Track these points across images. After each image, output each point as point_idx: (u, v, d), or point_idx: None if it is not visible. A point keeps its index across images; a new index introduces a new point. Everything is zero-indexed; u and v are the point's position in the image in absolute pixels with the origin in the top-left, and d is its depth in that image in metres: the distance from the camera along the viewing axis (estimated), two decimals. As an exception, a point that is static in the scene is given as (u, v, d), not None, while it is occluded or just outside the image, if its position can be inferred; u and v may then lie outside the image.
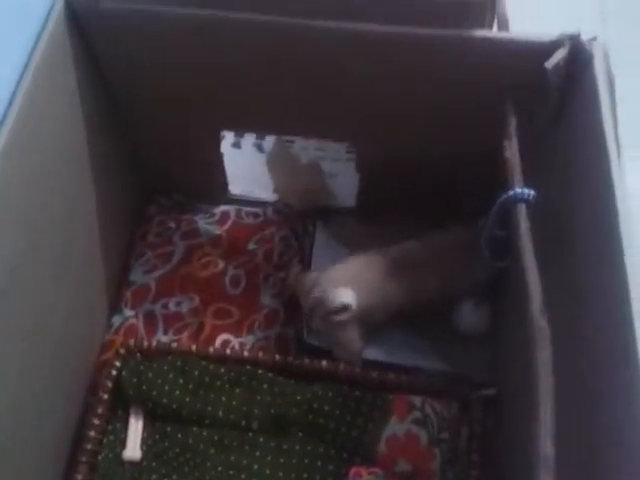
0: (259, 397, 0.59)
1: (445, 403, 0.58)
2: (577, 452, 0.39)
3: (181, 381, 0.59)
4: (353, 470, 0.55)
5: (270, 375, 0.60)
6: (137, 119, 0.63)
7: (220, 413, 0.58)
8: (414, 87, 0.53)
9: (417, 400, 0.58)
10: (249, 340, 0.65)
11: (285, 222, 0.73)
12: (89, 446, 0.57)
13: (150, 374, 0.59)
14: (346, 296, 0.58)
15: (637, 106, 0.60)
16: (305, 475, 0.56)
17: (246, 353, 0.61)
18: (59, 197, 0.52)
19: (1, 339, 0.45)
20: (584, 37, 0.46)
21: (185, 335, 0.65)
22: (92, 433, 0.57)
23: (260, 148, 0.75)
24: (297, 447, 0.57)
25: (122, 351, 0.61)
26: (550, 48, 0.47)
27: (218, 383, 0.60)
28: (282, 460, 0.57)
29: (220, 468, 0.57)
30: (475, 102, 0.51)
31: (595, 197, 0.42)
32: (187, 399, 0.59)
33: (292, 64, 0.53)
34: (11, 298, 0.46)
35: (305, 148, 0.73)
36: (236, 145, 0.75)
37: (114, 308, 0.67)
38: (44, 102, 0.48)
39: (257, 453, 0.57)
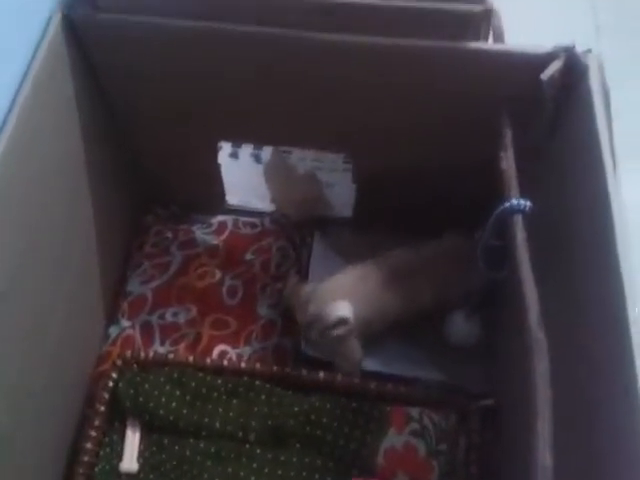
0: (256, 408, 0.59)
1: (443, 414, 0.58)
2: (576, 461, 0.39)
3: (178, 392, 0.59)
4: (351, 482, 0.55)
5: (267, 386, 0.60)
6: (135, 129, 0.63)
7: (217, 425, 0.58)
8: (410, 98, 0.54)
9: (415, 411, 0.58)
10: (246, 351, 0.64)
11: (282, 232, 0.73)
12: (86, 458, 0.56)
13: (147, 385, 0.59)
14: (343, 309, 0.58)
15: (633, 117, 0.61)
16: (303, 487, 0.56)
17: (243, 364, 0.61)
18: (56, 205, 0.52)
19: (1, 340, 0.46)
20: (579, 49, 0.47)
21: (182, 346, 0.65)
22: (89, 445, 0.57)
23: (258, 158, 0.75)
24: (295, 459, 0.57)
25: (119, 362, 0.61)
26: (545, 60, 0.47)
27: (215, 394, 0.59)
28: (279, 472, 0.56)
29: (217, 480, 0.56)
30: (471, 113, 0.52)
31: (591, 208, 0.42)
32: (184, 411, 0.58)
33: (289, 76, 0.53)
34: (10, 304, 0.46)
35: (302, 159, 0.73)
36: (234, 155, 0.75)
37: (111, 319, 0.67)
38: (43, 111, 0.48)
39: (254, 465, 0.57)
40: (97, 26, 0.51)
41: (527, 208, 0.45)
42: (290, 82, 0.54)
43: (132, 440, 0.58)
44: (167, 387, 0.59)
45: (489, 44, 0.50)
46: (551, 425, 0.35)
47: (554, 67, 0.47)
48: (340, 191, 0.72)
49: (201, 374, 0.60)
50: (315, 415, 0.58)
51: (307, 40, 0.49)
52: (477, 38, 0.49)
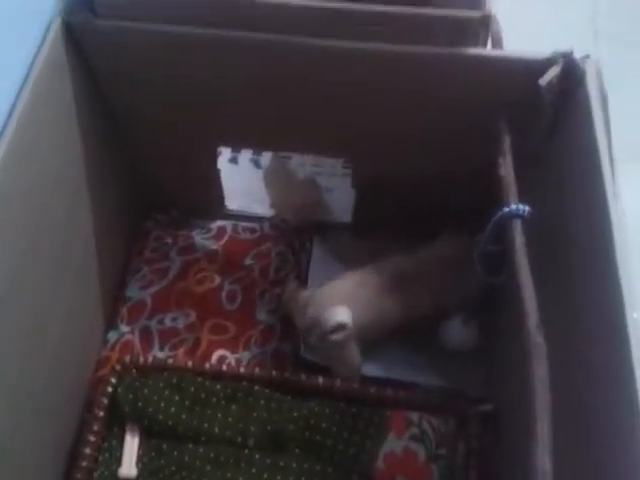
0: (255, 414, 0.59)
1: (442, 419, 0.58)
2: (575, 466, 0.39)
3: (177, 398, 0.59)
4: (350, 487, 0.54)
5: (266, 391, 0.60)
6: (134, 134, 0.63)
7: (216, 430, 0.58)
8: (409, 104, 0.54)
9: (414, 416, 0.58)
10: (245, 356, 0.64)
11: (282, 237, 0.73)
12: (84, 463, 0.56)
13: (146, 391, 0.59)
14: (342, 315, 0.58)
15: (631, 122, 0.61)
16: (302, 492, 0.56)
17: (242, 369, 0.61)
18: (56, 210, 0.53)
19: (1, 340, 0.46)
20: (577, 55, 0.47)
21: (181, 351, 0.65)
22: (87, 450, 0.57)
23: (257, 164, 0.75)
24: (294, 464, 0.57)
25: (118, 367, 0.61)
26: (544, 66, 0.47)
27: (214, 400, 0.59)
28: (278, 477, 0.56)
29: (216, 485, 0.56)
30: (470, 119, 0.52)
31: (590, 212, 0.42)
32: (183, 416, 0.58)
33: (289, 81, 0.53)
34: (10, 306, 0.46)
35: (302, 164, 0.74)
36: (233, 161, 0.75)
37: (110, 324, 0.67)
38: (42, 116, 0.48)
39: (253, 470, 0.57)
40: (97, 32, 0.51)
41: (526, 213, 0.45)
42: (290, 88, 0.54)
43: (131, 445, 0.58)
44: (166, 392, 0.59)
45: (488, 50, 0.50)
46: (550, 429, 0.35)
47: (552, 73, 0.47)
48: (339, 196, 0.72)
49: (200, 379, 0.60)
50: (314, 420, 0.57)
51: (307, 46, 0.50)
52: (476, 44, 0.49)
